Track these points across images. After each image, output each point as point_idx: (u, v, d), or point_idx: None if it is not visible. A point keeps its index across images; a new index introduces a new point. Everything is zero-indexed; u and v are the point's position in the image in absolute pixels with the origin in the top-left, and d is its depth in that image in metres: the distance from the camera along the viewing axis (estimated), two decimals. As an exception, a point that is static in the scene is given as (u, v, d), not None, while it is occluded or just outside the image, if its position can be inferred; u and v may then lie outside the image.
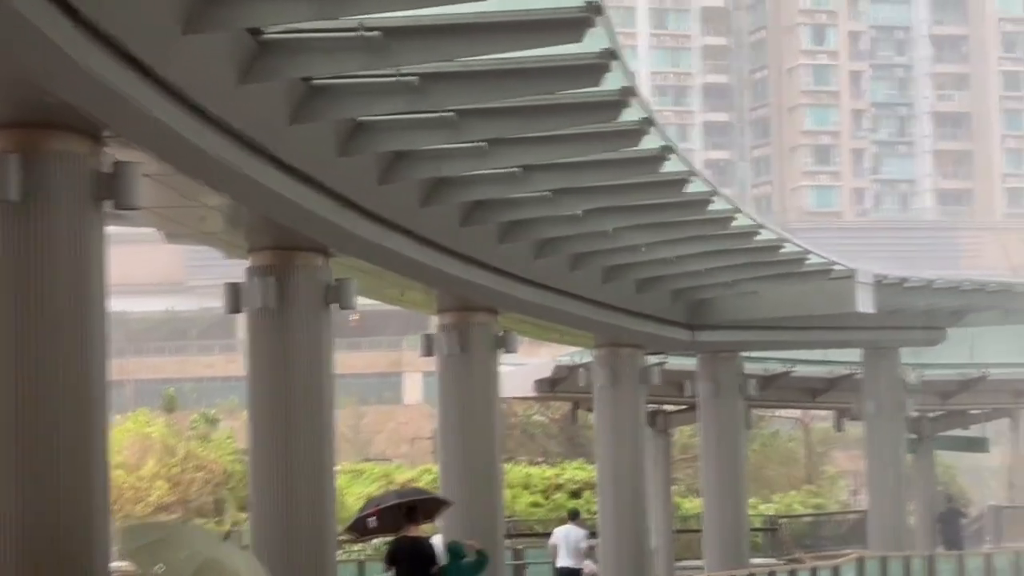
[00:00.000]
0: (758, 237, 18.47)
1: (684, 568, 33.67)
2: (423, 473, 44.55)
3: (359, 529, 16.49)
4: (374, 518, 16.09)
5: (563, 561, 22.32)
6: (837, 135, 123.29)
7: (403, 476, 44.91)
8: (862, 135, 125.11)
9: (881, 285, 23.35)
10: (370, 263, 14.40)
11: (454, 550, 15.83)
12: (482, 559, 15.55)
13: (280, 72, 10.52)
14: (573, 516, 23.68)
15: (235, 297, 13.68)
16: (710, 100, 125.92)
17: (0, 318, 9.43)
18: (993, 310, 28.69)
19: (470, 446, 17.75)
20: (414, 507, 15.99)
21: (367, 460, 56.45)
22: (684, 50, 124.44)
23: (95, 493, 9.48)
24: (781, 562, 34.14)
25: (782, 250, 19.56)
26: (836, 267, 21.60)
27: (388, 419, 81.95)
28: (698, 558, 35.42)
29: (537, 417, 55.20)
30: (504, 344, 18.29)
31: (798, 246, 19.87)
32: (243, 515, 35.87)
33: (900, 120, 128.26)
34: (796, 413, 52.40)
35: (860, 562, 23.58)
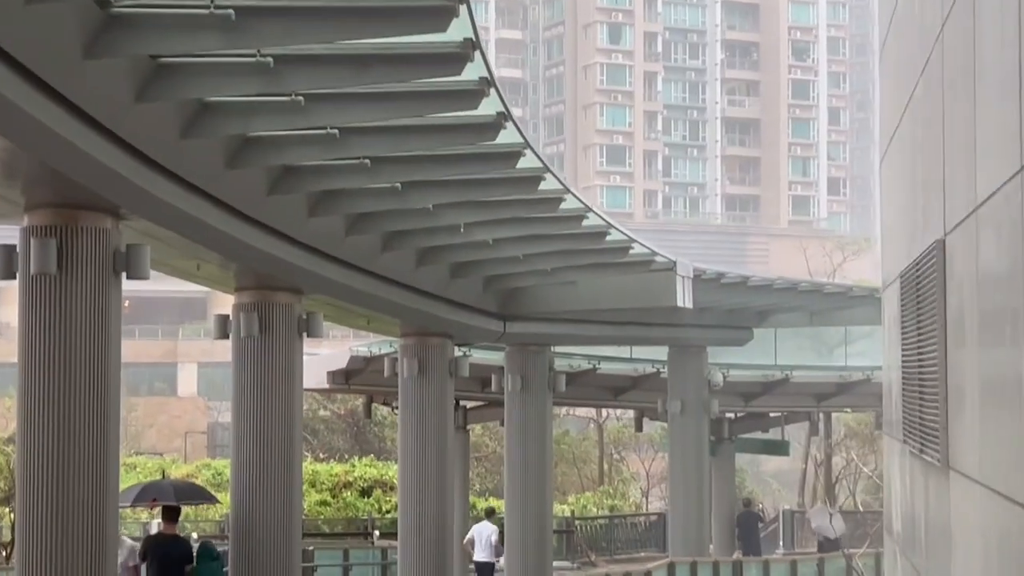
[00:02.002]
0: (586, 222, 17.65)
1: (478, 572, 32.82)
2: (200, 468, 42.84)
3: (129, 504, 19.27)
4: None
5: (479, 555, 25.04)
6: (630, 136, 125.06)
7: (178, 472, 43.06)
8: (654, 137, 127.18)
9: (699, 280, 22.99)
10: (166, 228, 12.95)
11: (206, 551, 16.81)
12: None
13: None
14: (489, 513, 26.38)
15: (7, 261, 12.22)
16: (504, 94, 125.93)
17: None
18: (800, 311, 28.77)
19: (267, 439, 16.43)
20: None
21: (138, 454, 54.20)
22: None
23: None
24: (575, 566, 33.73)
25: (608, 237, 18.80)
26: (658, 258, 21.04)
27: (160, 411, 79.24)
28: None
29: (321, 412, 53.85)
30: (307, 328, 17.06)
31: (624, 234, 19.18)
32: (4, 509, 33.55)
33: (692, 123, 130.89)
34: (590, 412, 52.34)
35: (671, 567, 23.11)
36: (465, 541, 25.51)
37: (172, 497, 18.55)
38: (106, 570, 11.83)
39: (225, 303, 17.38)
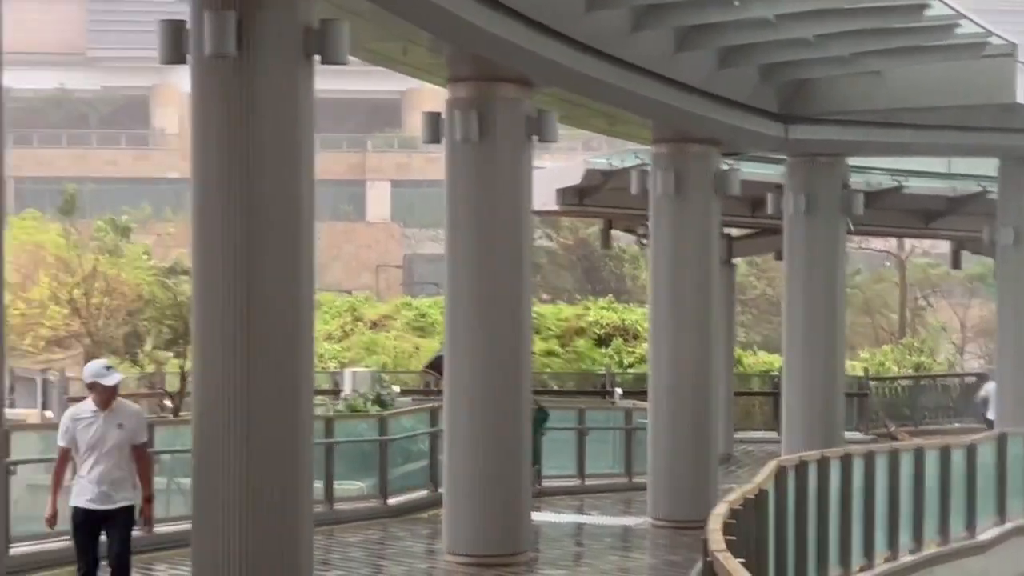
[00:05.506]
0: (898, -10, 17.18)
1: (745, 441, 33.08)
2: (399, 309, 43.90)
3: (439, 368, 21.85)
4: None
5: (993, 413, 28.44)
6: None
7: (373, 312, 44.28)
8: None
9: (1048, 69, 22.23)
10: None
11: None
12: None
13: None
14: None
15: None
16: None
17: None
18: None
19: (490, 273, 16.69)
20: None
21: (322, 290, 55.73)
22: None
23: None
24: (870, 438, 33.62)
25: (927, 12, 18.24)
26: (993, 40, 20.37)
27: (346, 240, 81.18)
28: (761, 428, 34.98)
29: (545, 243, 54.46)
30: (538, 129, 17.10)
31: (949, 7, 18.57)
32: (166, 354, 35.08)
33: None
34: (889, 244, 51.68)
35: (1001, 440, 22.74)
36: (979, 397, 31.83)
37: None
38: (299, 414, 12.15)
39: (425, 104, 17.71)
